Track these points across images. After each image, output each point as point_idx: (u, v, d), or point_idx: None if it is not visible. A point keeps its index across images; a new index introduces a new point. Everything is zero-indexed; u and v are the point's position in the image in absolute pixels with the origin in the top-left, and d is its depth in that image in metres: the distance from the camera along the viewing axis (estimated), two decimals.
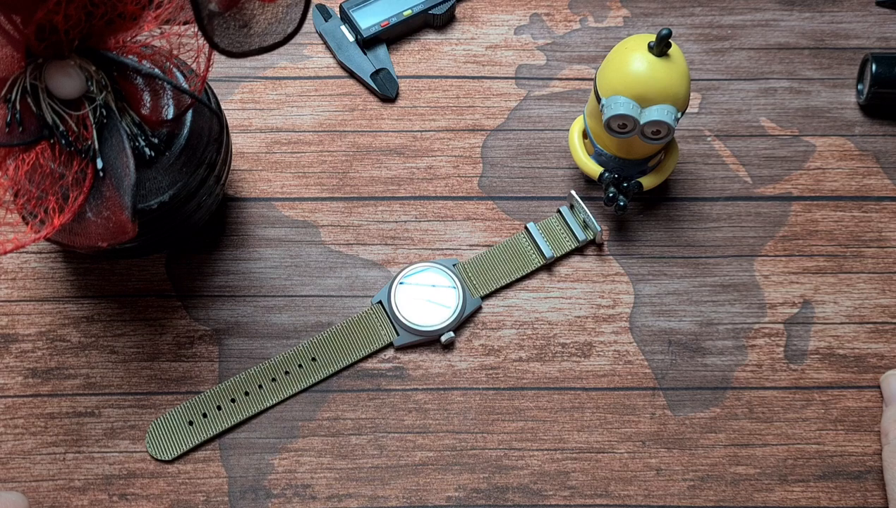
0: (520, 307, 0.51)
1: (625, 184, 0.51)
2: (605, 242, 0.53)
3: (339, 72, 0.58)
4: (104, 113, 0.41)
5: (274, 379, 0.49)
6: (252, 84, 0.57)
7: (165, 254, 0.52)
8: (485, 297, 0.51)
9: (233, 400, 0.48)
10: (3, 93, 0.39)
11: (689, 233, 0.53)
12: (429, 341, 0.50)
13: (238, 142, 0.55)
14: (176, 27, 0.41)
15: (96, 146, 0.41)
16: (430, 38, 0.59)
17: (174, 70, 0.44)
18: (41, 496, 0.46)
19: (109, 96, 0.41)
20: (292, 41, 0.39)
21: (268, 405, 0.48)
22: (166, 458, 0.47)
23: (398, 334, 0.50)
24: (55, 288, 0.51)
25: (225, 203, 0.53)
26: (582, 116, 0.52)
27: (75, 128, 0.40)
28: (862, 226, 0.53)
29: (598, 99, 0.48)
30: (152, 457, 0.47)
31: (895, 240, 0.53)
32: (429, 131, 0.56)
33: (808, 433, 0.49)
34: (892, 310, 0.51)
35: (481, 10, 0.60)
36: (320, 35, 0.58)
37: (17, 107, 0.39)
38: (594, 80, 0.49)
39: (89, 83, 0.40)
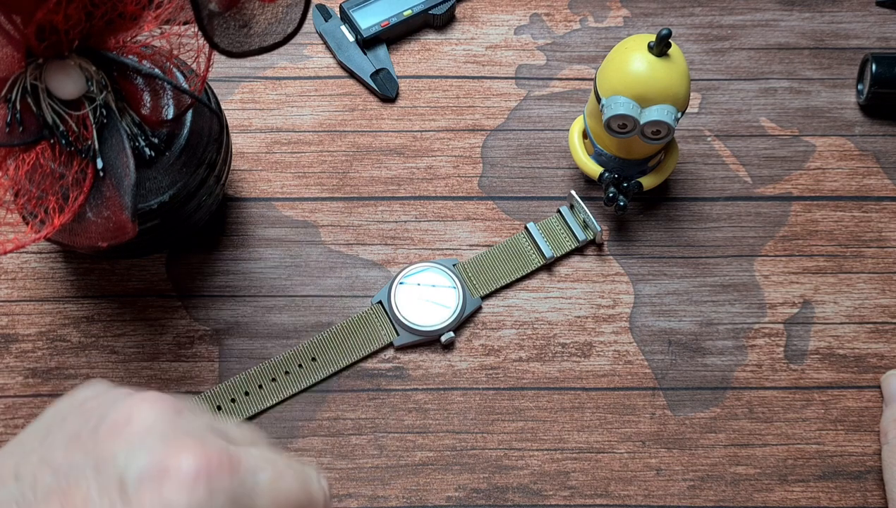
0: (520, 307, 0.51)
1: (625, 184, 0.51)
2: (605, 242, 0.53)
3: (339, 72, 0.58)
4: (104, 113, 0.41)
5: (274, 379, 0.49)
6: (252, 84, 0.57)
7: (165, 254, 0.52)
8: (485, 297, 0.51)
9: (233, 400, 0.48)
10: (3, 93, 0.39)
11: (689, 233, 0.53)
12: (429, 341, 0.50)
13: (238, 142, 0.55)
14: (176, 27, 0.41)
15: (96, 146, 0.41)
16: (430, 38, 0.59)
17: (174, 70, 0.44)
18: None
19: (109, 96, 0.41)
20: (292, 41, 0.39)
21: (268, 405, 0.48)
22: None
23: (398, 334, 0.50)
24: (55, 288, 0.51)
25: (225, 203, 0.53)
26: (582, 116, 0.52)
27: (75, 128, 0.40)
28: (862, 226, 0.53)
29: (598, 99, 0.48)
30: None
31: (895, 240, 0.53)
32: (429, 131, 0.56)
33: (808, 433, 0.49)
34: (892, 310, 0.51)
35: (481, 10, 0.60)
36: (320, 35, 0.58)
37: (18, 107, 0.39)
38: (594, 80, 0.49)
39: (89, 83, 0.40)
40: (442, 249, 0.53)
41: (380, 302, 0.51)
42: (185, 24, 0.41)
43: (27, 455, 0.27)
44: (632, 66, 0.46)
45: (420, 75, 0.57)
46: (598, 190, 0.54)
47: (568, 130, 0.55)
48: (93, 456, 0.26)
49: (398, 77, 0.57)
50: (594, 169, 0.51)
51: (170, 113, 0.44)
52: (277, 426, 0.48)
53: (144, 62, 0.42)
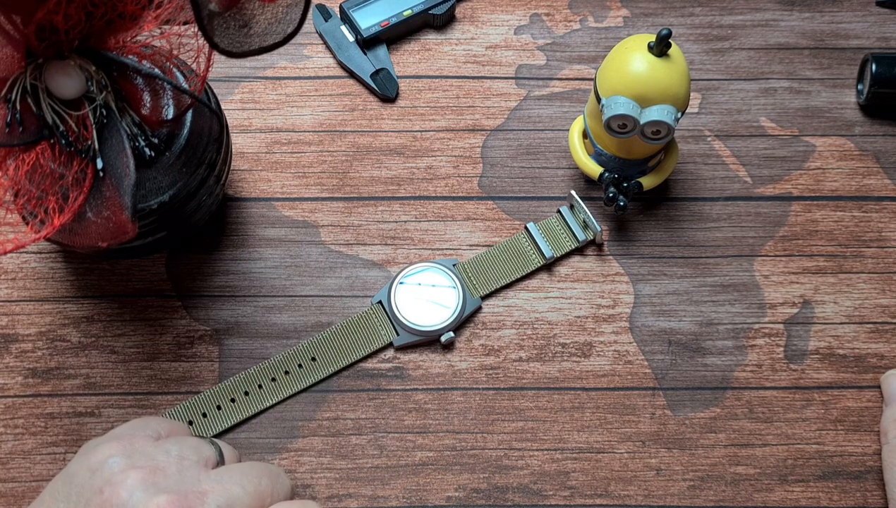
0: (520, 307, 0.51)
1: (625, 184, 0.51)
2: (605, 242, 0.53)
3: (339, 72, 0.58)
4: (104, 113, 0.41)
5: (274, 379, 0.49)
6: (252, 84, 0.57)
7: (165, 254, 0.52)
8: (485, 297, 0.51)
9: (233, 400, 0.48)
10: (3, 93, 0.39)
11: (689, 233, 0.53)
12: (429, 341, 0.50)
13: (238, 142, 0.55)
14: (176, 27, 0.41)
15: (96, 146, 0.41)
16: (430, 38, 0.59)
17: (174, 70, 0.44)
18: None
19: (109, 96, 0.41)
20: (292, 41, 0.39)
21: (268, 405, 0.48)
22: None
23: (398, 334, 0.50)
24: (55, 288, 0.51)
25: (225, 203, 0.53)
26: (582, 116, 0.52)
27: (75, 128, 0.40)
28: (862, 226, 0.53)
29: (598, 99, 0.48)
30: None
31: (895, 240, 0.53)
32: (429, 131, 0.56)
33: (808, 433, 0.49)
34: (892, 310, 0.51)
35: (481, 10, 0.60)
36: (320, 35, 0.58)
37: (17, 107, 0.39)
38: (594, 80, 0.49)
39: (89, 83, 0.40)
40: (442, 249, 0.53)
41: (380, 302, 0.51)
42: (185, 24, 0.41)
43: None
44: (632, 66, 0.46)
45: (420, 75, 0.57)
46: (598, 190, 0.54)
47: (568, 130, 0.55)
48: None
49: (398, 77, 0.57)
50: (594, 169, 0.51)
51: (170, 113, 0.44)
52: (277, 426, 0.48)
53: (144, 62, 0.42)
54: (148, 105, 0.43)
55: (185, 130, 0.45)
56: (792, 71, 0.58)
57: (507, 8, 0.60)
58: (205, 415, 0.48)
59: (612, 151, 0.50)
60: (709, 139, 0.56)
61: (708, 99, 0.57)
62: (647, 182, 0.51)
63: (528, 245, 0.52)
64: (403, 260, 0.52)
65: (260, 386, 0.49)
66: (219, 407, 0.48)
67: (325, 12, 0.58)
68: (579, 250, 0.53)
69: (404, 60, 0.58)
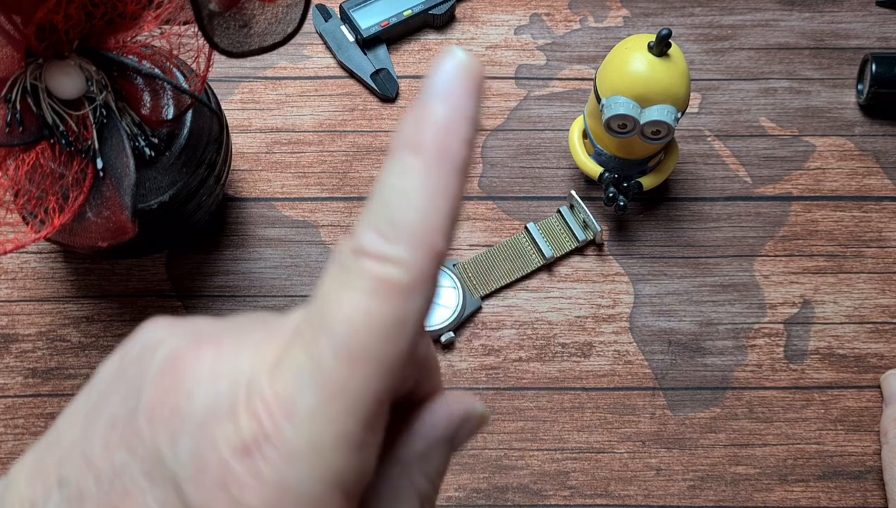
0: (520, 307, 0.51)
1: (625, 184, 0.51)
2: (605, 242, 0.53)
3: (339, 72, 0.58)
4: (104, 113, 0.41)
5: None
6: (252, 84, 0.57)
7: (165, 254, 0.52)
8: (485, 297, 0.51)
9: None
10: (3, 93, 0.39)
11: (689, 233, 0.53)
12: None
13: (238, 142, 0.55)
14: (176, 27, 0.41)
15: (96, 146, 0.41)
16: (430, 38, 0.59)
17: (174, 70, 0.44)
18: None
19: (109, 96, 0.41)
20: (292, 41, 0.39)
21: None
22: None
23: None
24: (55, 288, 0.51)
25: (225, 203, 0.53)
26: (582, 116, 0.52)
27: (75, 128, 0.40)
28: (862, 226, 0.53)
29: (598, 99, 0.48)
30: None
31: (895, 240, 0.53)
32: None
33: (808, 433, 0.48)
34: (892, 310, 0.51)
35: (481, 10, 0.60)
36: (320, 35, 0.58)
37: (18, 107, 0.39)
38: (594, 80, 0.49)
39: (89, 83, 0.40)
40: None
41: None
42: (185, 24, 0.41)
43: (71, 449, 0.20)
44: (632, 66, 0.46)
45: (420, 75, 0.57)
46: (598, 190, 0.54)
47: (568, 130, 0.55)
48: (139, 454, 0.19)
49: (398, 77, 0.57)
50: (594, 169, 0.51)
51: (170, 113, 0.44)
52: None
53: (144, 62, 0.42)
54: (148, 105, 0.43)
55: (185, 130, 0.45)
56: (792, 71, 0.58)
57: (507, 8, 0.60)
58: None
59: (612, 151, 0.50)
60: (709, 139, 0.56)
61: (708, 99, 0.57)
62: (647, 182, 0.51)
63: (528, 245, 0.52)
64: None
65: None
66: None
67: (325, 12, 0.58)
68: (579, 250, 0.53)
69: (404, 60, 0.58)
